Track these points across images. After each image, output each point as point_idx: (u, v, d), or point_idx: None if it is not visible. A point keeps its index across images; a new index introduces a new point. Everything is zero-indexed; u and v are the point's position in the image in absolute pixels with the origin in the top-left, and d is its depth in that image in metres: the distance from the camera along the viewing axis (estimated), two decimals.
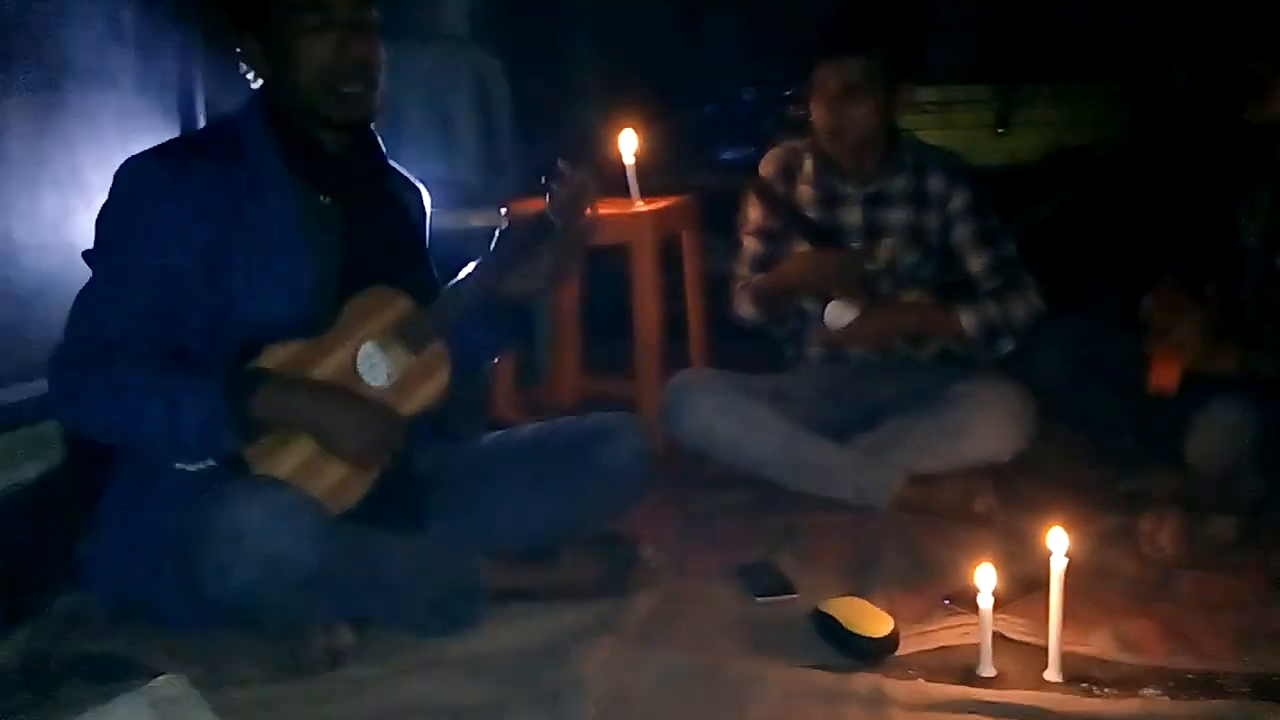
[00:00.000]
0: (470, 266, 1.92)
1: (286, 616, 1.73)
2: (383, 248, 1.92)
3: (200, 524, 1.61)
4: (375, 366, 1.81)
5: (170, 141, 1.88)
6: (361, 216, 1.90)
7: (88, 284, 1.75)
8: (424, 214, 2.07)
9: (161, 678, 1.58)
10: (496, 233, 1.95)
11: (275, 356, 1.74)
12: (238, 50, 1.83)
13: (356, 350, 1.80)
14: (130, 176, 1.78)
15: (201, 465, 1.72)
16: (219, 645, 1.76)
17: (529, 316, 2.16)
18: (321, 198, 1.86)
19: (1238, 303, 2.26)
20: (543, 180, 1.93)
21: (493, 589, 1.87)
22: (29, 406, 1.99)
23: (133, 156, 1.79)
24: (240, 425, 1.67)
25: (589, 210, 1.94)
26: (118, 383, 1.68)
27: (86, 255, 1.77)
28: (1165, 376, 2.16)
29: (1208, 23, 3.62)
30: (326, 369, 1.78)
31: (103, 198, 1.85)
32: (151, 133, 2.21)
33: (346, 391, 1.78)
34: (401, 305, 1.85)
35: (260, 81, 1.85)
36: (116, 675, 1.69)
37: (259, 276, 1.77)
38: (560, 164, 1.92)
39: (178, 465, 1.73)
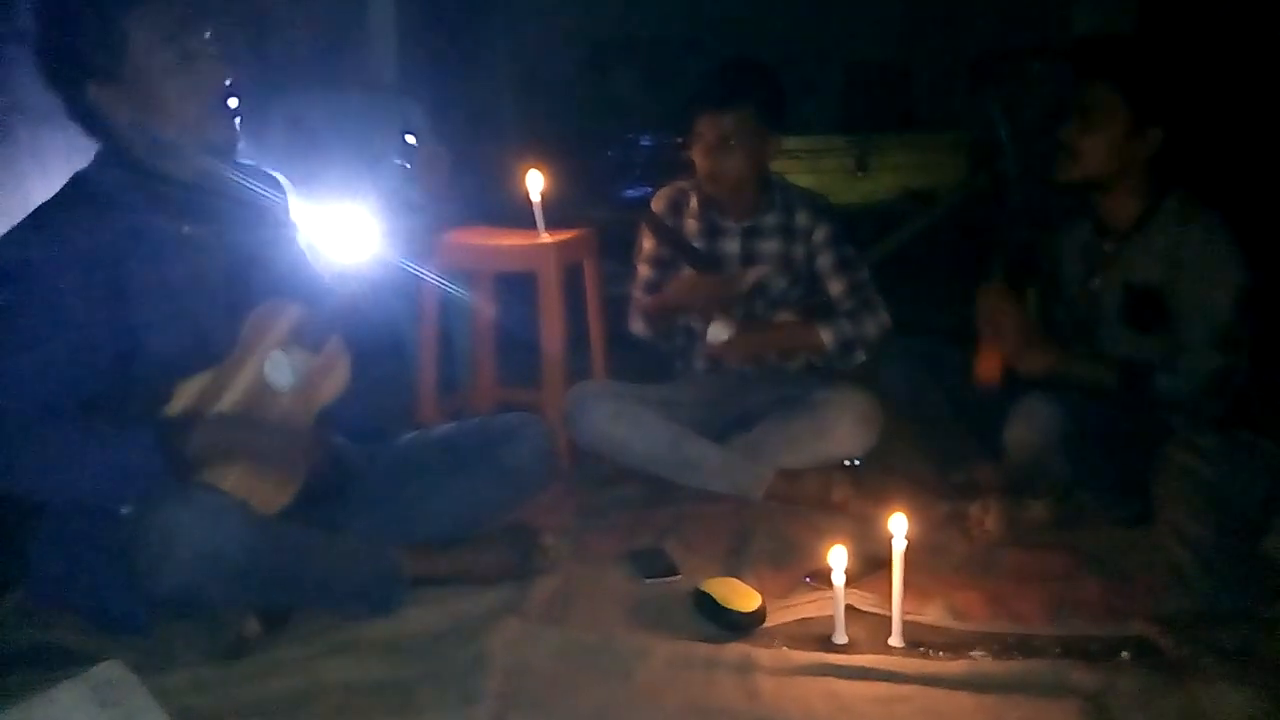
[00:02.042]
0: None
1: (220, 606, 1.68)
2: (258, 259, 1.81)
3: (136, 527, 1.55)
4: (282, 374, 1.76)
5: (33, 214, 1.64)
6: (230, 236, 1.77)
7: None
8: (285, 200, 1.92)
9: (101, 664, 1.51)
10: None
11: (188, 391, 1.67)
12: (83, 102, 1.63)
13: (261, 365, 1.75)
14: (9, 249, 1.60)
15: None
16: (156, 634, 1.71)
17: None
18: (184, 228, 1.71)
19: (1055, 321, 2.33)
20: (398, 164, 1.85)
21: (410, 575, 1.84)
22: None
23: (6, 233, 1.61)
24: (177, 472, 1.61)
25: (445, 175, 1.89)
26: (49, 455, 1.57)
27: None
28: (988, 370, 2.21)
29: (1022, 88, 3.75)
30: (237, 390, 1.72)
31: None
32: None
33: (265, 422, 1.73)
34: (292, 312, 1.79)
35: (102, 130, 1.67)
36: (60, 663, 1.62)
37: (156, 316, 1.66)
38: (408, 141, 1.86)
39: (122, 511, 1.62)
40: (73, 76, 1.63)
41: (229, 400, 1.71)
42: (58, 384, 1.58)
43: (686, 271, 2.52)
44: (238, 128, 1.72)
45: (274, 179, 1.89)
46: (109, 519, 1.63)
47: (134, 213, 1.66)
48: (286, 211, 1.91)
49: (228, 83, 1.69)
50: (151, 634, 1.71)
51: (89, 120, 1.66)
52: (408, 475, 1.97)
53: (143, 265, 1.65)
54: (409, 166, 1.84)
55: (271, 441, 1.71)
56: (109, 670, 1.50)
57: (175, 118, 1.65)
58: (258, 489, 1.70)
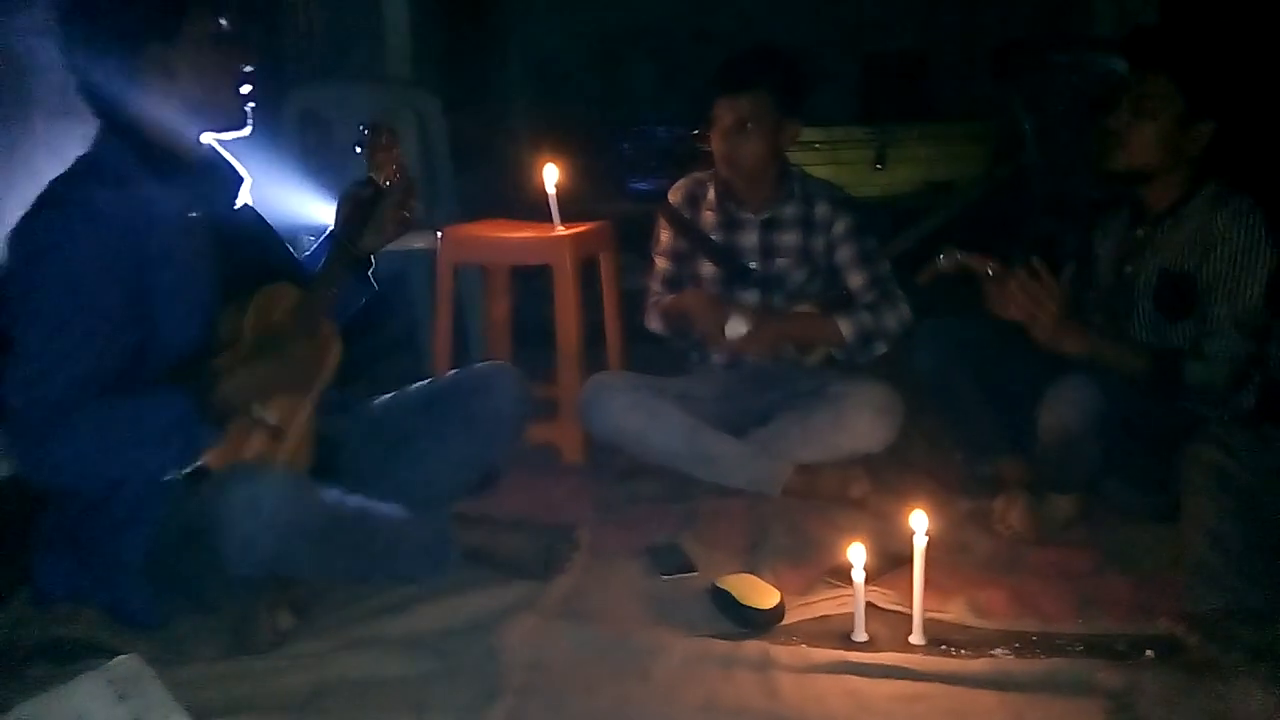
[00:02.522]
0: (321, 242, 1.94)
1: (302, 576, 1.73)
2: (251, 246, 1.86)
3: (215, 510, 1.57)
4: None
5: (46, 194, 1.64)
6: (227, 222, 1.81)
7: (17, 350, 1.59)
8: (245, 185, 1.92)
9: (119, 658, 1.52)
10: (337, 206, 1.93)
11: (216, 377, 1.69)
12: (135, 64, 1.66)
13: (271, 340, 1.77)
14: (33, 234, 1.60)
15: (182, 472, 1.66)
16: (172, 628, 1.72)
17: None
18: (191, 213, 1.74)
19: (1086, 308, 2.31)
20: (356, 149, 1.89)
21: (460, 542, 1.87)
22: None
23: (21, 220, 1.61)
24: (210, 418, 1.64)
25: (400, 161, 1.92)
26: (83, 432, 1.57)
27: (2, 324, 1.60)
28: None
29: (1045, 78, 3.71)
30: (255, 357, 1.74)
31: None
32: None
33: (267, 347, 1.75)
34: (291, 295, 1.82)
35: (105, 114, 1.69)
36: (79, 656, 1.63)
37: (170, 302, 1.68)
38: (366, 129, 1.89)
39: (165, 479, 1.65)
40: (136, 33, 1.65)
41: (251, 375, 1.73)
42: (83, 370, 1.58)
43: (704, 264, 2.52)
44: (250, 112, 1.77)
45: (232, 164, 1.89)
46: (120, 512, 1.65)
47: (147, 193, 1.67)
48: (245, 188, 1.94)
49: (250, 68, 1.75)
50: (168, 627, 1.72)
51: (124, 90, 1.67)
52: (388, 439, 1.98)
53: (158, 246, 1.67)
54: (359, 150, 1.89)
55: (279, 361, 1.74)
56: (126, 664, 1.50)
57: (209, 90, 1.71)
58: (280, 447, 1.75)
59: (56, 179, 1.67)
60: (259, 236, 1.92)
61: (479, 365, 2.16)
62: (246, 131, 1.79)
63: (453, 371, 2.18)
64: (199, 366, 1.68)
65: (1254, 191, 2.13)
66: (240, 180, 1.87)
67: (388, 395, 2.09)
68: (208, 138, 1.78)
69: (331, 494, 1.71)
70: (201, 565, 1.61)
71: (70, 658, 1.64)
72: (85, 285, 1.59)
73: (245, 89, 1.75)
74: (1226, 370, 2.06)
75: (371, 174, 1.89)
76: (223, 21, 1.71)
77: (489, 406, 2.03)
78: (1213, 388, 2.07)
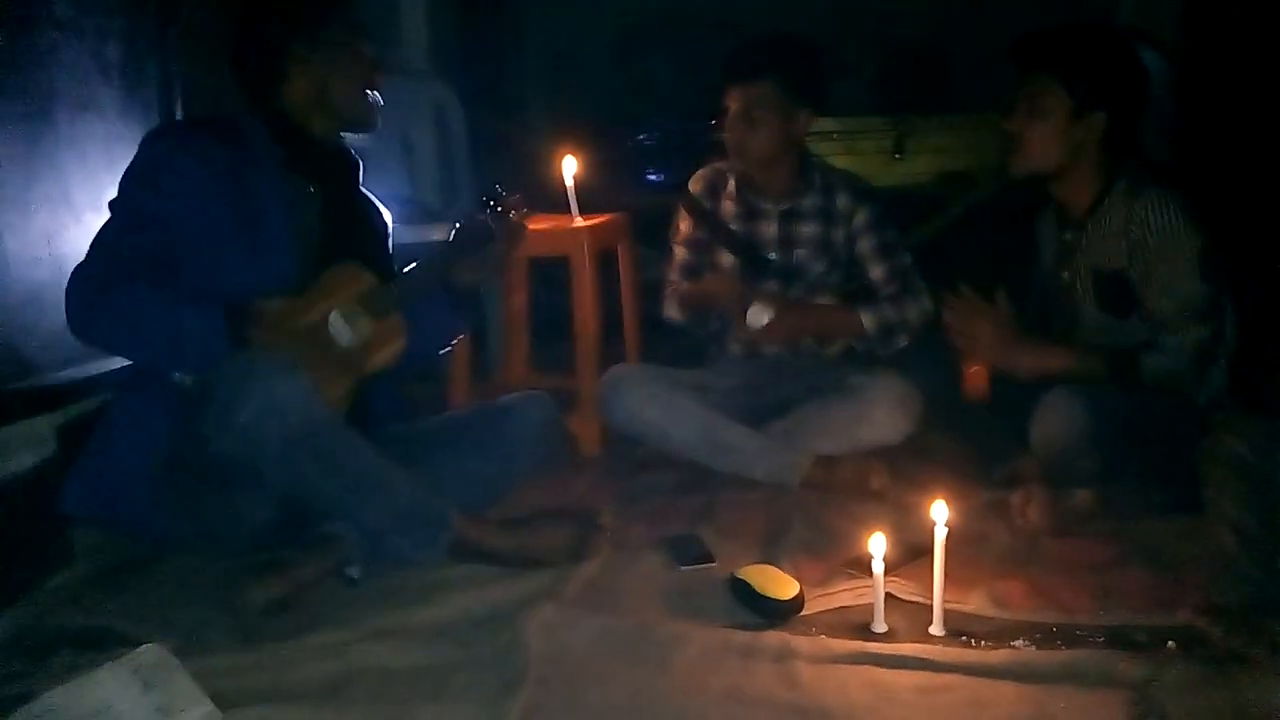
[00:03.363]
0: (426, 257, 2.04)
1: (270, 479, 1.74)
2: (355, 233, 2.05)
3: (211, 377, 1.69)
4: (343, 329, 1.89)
5: (191, 120, 2.02)
6: (340, 205, 2.02)
7: (105, 224, 1.83)
8: (387, 227, 2.17)
9: (143, 646, 1.54)
10: (451, 232, 2.05)
11: (262, 308, 1.80)
12: (282, 55, 1.91)
13: (329, 313, 1.88)
14: (154, 142, 1.90)
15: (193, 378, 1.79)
16: (194, 617, 1.74)
17: (476, 305, 2.27)
18: (310, 186, 1.96)
19: (1041, 314, 2.32)
20: (484, 199, 2.06)
21: (461, 536, 1.86)
22: (22, 402, 1.94)
23: (158, 126, 1.93)
24: (236, 346, 1.74)
25: (522, 224, 2.10)
26: (129, 301, 1.75)
27: (111, 203, 1.84)
28: (975, 384, 2.21)
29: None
30: (302, 325, 1.85)
31: (89, 216, 1.83)
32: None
33: (318, 345, 1.86)
34: (367, 279, 1.94)
35: (260, 89, 1.94)
36: (103, 646, 1.66)
37: (251, 243, 1.85)
38: (499, 187, 2.06)
39: (175, 376, 1.80)
40: (285, 34, 1.92)
41: (291, 331, 1.83)
42: (151, 260, 1.78)
43: (724, 255, 2.52)
44: (378, 113, 2.01)
45: (382, 208, 2.17)
46: (137, 422, 1.80)
47: (265, 156, 1.91)
48: (386, 228, 2.18)
49: (377, 72, 2.00)
50: (170, 539, 1.84)
51: (266, 81, 1.94)
52: (416, 455, 2.00)
53: (258, 198, 1.87)
54: (493, 207, 2.08)
55: (320, 356, 1.83)
56: (151, 654, 1.52)
57: (343, 91, 1.95)
58: (338, 376, 1.86)
59: (202, 118, 2.01)
60: (364, 225, 2.10)
61: (511, 394, 2.20)
62: (371, 128, 2.01)
63: (484, 401, 2.26)
64: (263, 301, 1.81)
65: (1166, 178, 2.15)
66: (358, 166, 2.05)
67: (418, 420, 2.17)
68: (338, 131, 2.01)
69: (330, 409, 1.78)
70: (205, 453, 1.68)
71: (94, 647, 1.65)
72: (174, 198, 1.81)
73: (374, 91, 1.99)
74: (1189, 359, 2.07)
75: (489, 221, 2.04)
76: (356, 33, 1.97)
77: (514, 428, 2.08)
78: (1176, 378, 2.08)
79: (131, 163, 1.86)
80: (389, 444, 1.99)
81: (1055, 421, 2.07)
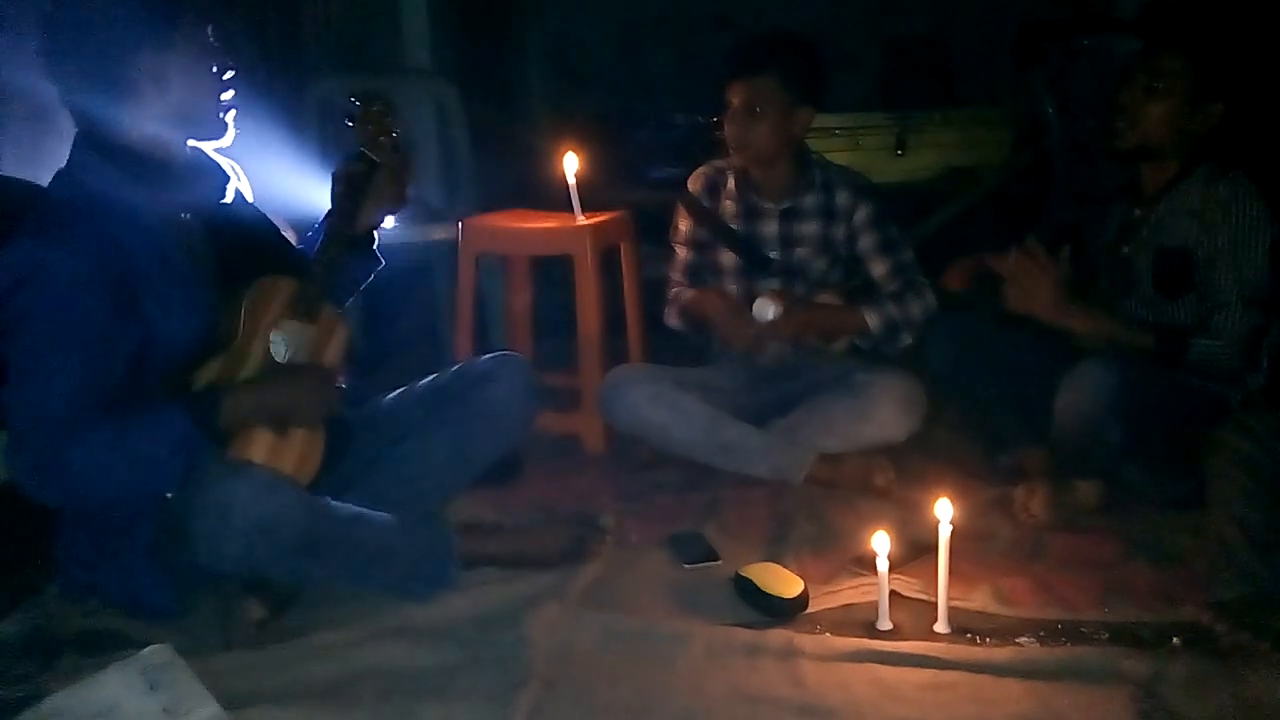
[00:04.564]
0: (320, 224, 1.90)
1: (279, 580, 1.72)
2: (246, 240, 1.84)
3: (189, 503, 1.58)
4: (284, 348, 1.77)
5: (30, 217, 1.63)
6: (217, 220, 1.81)
7: (13, 375, 1.59)
8: (273, 225, 1.98)
9: (150, 648, 1.55)
10: (330, 185, 1.88)
11: (204, 378, 1.70)
12: (127, 72, 1.64)
13: (267, 342, 1.76)
14: (15, 261, 1.58)
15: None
16: (189, 619, 1.75)
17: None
18: (183, 215, 1.75)
19: (1094, 293, 2.31)
20: (346, 122, 1.86)
21: (464, 551, 1.86)
22: None
23: (6, 245, 1.59)
24: (212, 440, 1.64)
25: (395, 133, 1.87)
26: (86, 454, 1.56)
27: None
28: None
29: (1069, 63, 3.68)
30: (249, 369, 1.74)
31: None
32: None
33: (284, 372, 1.75)
34: (285, 286, 1.80)
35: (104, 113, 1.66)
36: (109, 647, 1.67)
37: (165, 307, 1.67)
38: (355, 100, 1.85)
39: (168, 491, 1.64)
40: (129, 43, 1.63)
41: (251, 386, 1.72)
42: (83, 387, 1.58)
43: (725, 254, 2.52)
44: (231, 118, 1.76)
45: (221, 164, 1.88)
46: (135, 505, 1.66)
47: (130, 202, 1.67)
48: (245, 193, 1.94)
49: (230, 75, 1.74)
50: (182, 617, 1.74)
51: (109, 100, 1.65)
52: (395, 435, 1.97)
53: (145, 252, 1.66)
54: (350, 124, 1.86)
55: (295, 394, 1.73)
56: (157, 654, 1.53)
57: (195, 100, 1.70)
58: (286, 456, 1.73)
59: (37, 201, 1.68)
60: (253, 230, 1.90)
61: (485, 356, 2.13)
62: (227, 141, 1.78)
63: (459, 365, 2.14)
64: (199, 366, 1.69)
65: (1249, 170, 2.13)
66: (225, 176, 1.85)
67: (398, 390, 2.07)
68: (191, 144, 1.77)
69: (318, 500, 1.70)
70: (194, 559, 1.61)
71: (100, 649, 1.67)
72: (75, 304, 1.58)
73: (227, 97, 1.74)
74: (1237, 346, 2.06)
75: (363, 148, 1.84)
76: (209, 30, 1.70)
77: (493, 399, 2.00)
78: (1224, 364, 2.07)
79: (3, 297, 1.58)
80: (369, 425, 1.97)
81: (1084, 390, 2.04)
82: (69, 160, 1.70)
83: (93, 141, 1.68)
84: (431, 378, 2.09)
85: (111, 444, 1.58)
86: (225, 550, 1.57)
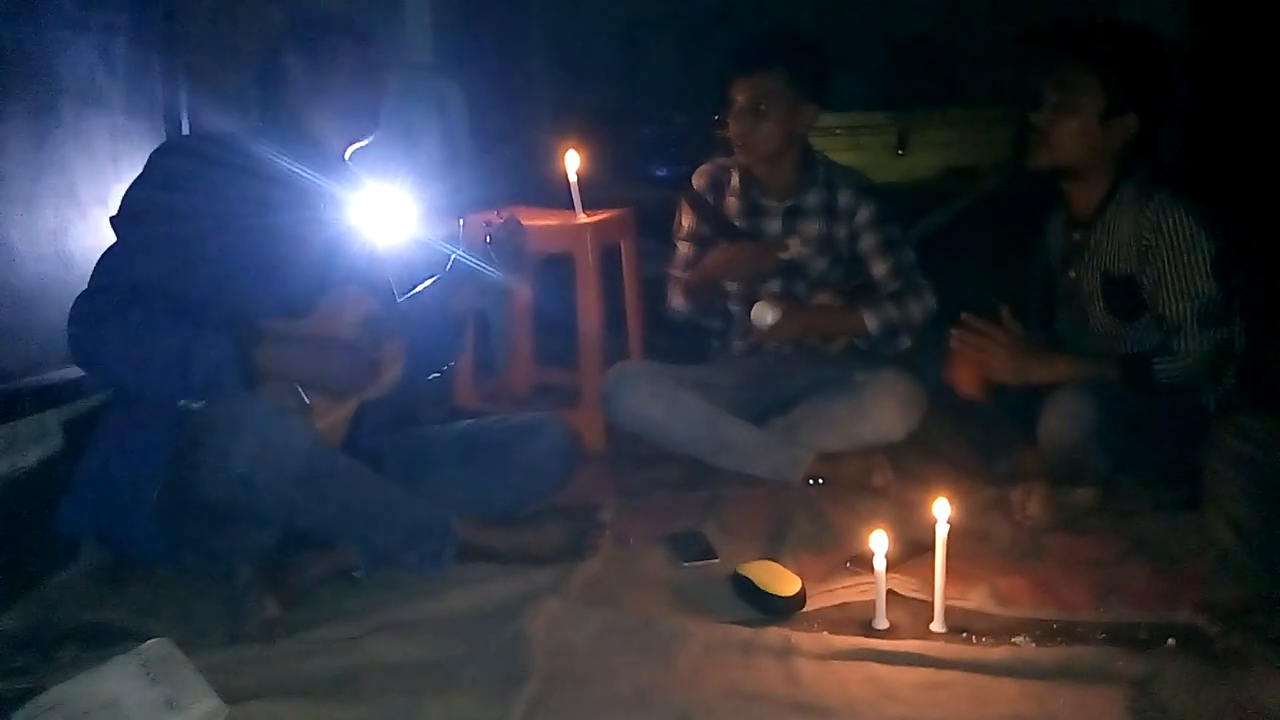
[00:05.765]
0: (425, 284, 2.00)
1: (269, 516, 1.73)
2: (361, 255, 1.97)
3: (204, 421, 1.64)
4: None
5: (201, 136, 1.94)
6: (346, 224, 1.96)
7: (111, 246, 1.76)
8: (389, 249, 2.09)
9: (150, 641, 1.56)
10: (450, 259, 2.02)
11: (269, 331, 1.77)
12: (280, 71, 1.90)
13: (332, 338, 1.84)
14: (162, 159, 1.82)
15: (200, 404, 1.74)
16: (198, 613, 1.75)
17: (463, 334, 2.23)
18: (320, 204, 1.91)
19: (1054, 311, 2.33)
20: (485, 226, 2.03)
21: (463, 540, 1.87)
22: (29, 397, 1.95)
23: (166, 142, 1.87)
24: (243, 373, 1.70)
25: (521, 251, 2.06)
26: (134, 329, 1.69)
27: (113, 220, 1.78)
28: (966, 385, 2.22)
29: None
30: (306, 350, 1.80)
31: (96, 211, 1.81)
32: (141, 152, 2.17)
33: (330, 339, 1.83)
34: (367, 304, 1.90)
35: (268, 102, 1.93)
36: (109, 640, 1.67)
37: (262, 261, 1.80)
38: (500, 215, 2.04)
39: (181, 403, 1.74)
40: (283, 47, 1.90)
41: (295, 358, 1.79)
42: (155, 283, 1.72)
43: (723, 243, 2.52)
44: (376, 125, 1.97)
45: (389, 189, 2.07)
46: (137, 447, 1.74)
47: (275, 174, 1.85)
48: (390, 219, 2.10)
49: (378, 73, 1.96)
50: (172, 564, 1.80)
51: (276, 89, 1.92)
52: (426, 467, 2.01)
53: (267, 217, 1.81)
54: (493, 236, 2.04)
55: (334, 361, 1.81)
56: (158, 648, 1.54)
57: (348, 105, 1.92)
58: (313, 411, 1.80)
59: (218, 132, 1.95)
60: (369, 247, 2.01)
61: (529, 414, 2.20)
62: (369, 138, 1.98)
63: (502, 415, 2.24)
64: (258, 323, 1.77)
65: (1175, 180, 2.13)
66: (366, 190, 2.00)
67: (435, 426, 2.14)
68: (349, 149, 1.98)
69: (327, 446, 1.75)
70: (200, 486, 1.65)
71: (101, 642, 1.67)
72: (194, 219, 1.76)
73: (375, 102, 1.96)
74: (1203, 365, 2.07)
75: (491, 250, 2.01)
76: (355, 48, 1.93)
77: (532, 455, 2.07)
78: (1192, 382, 2.09)
79: (137, 180, 1.81)
80: (400, 454, 2.01)
81: (1064, 420, 2.06)
82: (257, 129, 1.94)
83: (268, 124, 1.93)
84: (471, 421, 2.19)
85: (158, 332, 1.69)
86: (230, 468, 1.61)
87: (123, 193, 1.80)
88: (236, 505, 1.66)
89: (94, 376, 1.82)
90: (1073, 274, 2.24)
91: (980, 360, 2.15)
